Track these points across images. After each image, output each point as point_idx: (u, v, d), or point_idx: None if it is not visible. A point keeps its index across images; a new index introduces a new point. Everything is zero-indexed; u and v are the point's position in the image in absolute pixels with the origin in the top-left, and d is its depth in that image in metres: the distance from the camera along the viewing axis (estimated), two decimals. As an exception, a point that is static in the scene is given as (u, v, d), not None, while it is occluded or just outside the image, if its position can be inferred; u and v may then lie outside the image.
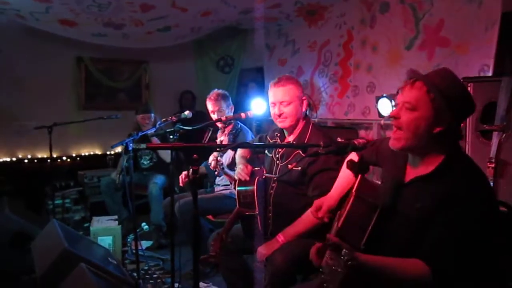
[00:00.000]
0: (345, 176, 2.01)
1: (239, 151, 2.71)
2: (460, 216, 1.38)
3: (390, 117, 1.57)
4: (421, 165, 1.55)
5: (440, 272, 1.37)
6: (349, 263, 1.27)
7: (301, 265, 2.15)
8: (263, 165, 2.60)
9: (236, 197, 2.37)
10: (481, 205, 1.40)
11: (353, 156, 1.94)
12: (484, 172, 1.52)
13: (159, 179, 4.32)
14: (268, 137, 2.65)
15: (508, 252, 1.72)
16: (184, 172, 3.28)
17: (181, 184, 3.16)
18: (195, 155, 1.42)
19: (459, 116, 1.49)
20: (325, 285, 1.41)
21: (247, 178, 2.38)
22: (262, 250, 2.21)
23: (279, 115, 2.36)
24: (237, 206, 2.34)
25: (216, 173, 3.25)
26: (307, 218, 2.16)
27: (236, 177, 2.45)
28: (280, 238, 2.21)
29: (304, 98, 2.40)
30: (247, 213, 2.30)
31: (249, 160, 2.58)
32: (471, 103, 1.51)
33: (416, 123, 1.46)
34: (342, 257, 1.28)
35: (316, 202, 2.00)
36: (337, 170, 2.12)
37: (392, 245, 1.56)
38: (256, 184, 2.34)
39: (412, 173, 1.59)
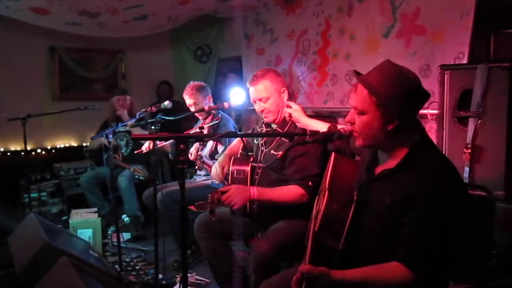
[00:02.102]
0: None
1: (230, 147, 2.75)
2: (429, 211, 1.38)
3: (346, 122, 1.58)
4: (388, 159, 1.56)
5: (422, 273, 1.38)
6: None
7: (286, 252, 2.18)
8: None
9: (230, 173, 2.42)
10: (448, 195, 1.39)
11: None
12: (450, 160, 1.51)
13: (127, 171, 4.21)
14: (258, 128, 2.71)
15: (487, 233, 1.78)
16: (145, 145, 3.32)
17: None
18: (182, 146, 1.41)
19: (408, 110, 1.46)
20: None
21: (220, 181, 2.52)
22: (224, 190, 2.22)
23: (261, 111, 2.43)
24: (229, 181, 2.37)
25: (196, 167, 3.24)
26: (287, 192, 2.24)
27: (211, 176, 2.55)
28: (254, 193, 2.23)
29: (284, 89, 2.43)
30: None
31: (247, 149, 2.61)
32: (418, 95, 1.48)
33: (368, 125, 1.48)
34: None
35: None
36: (312, 155, 2.26)
37: (367, 242, 1.56)
38: (250, 166, 2.39)
39: (380, 167, 1.60)
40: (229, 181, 2.40)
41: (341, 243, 1.49)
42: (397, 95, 1.42)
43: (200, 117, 3.49)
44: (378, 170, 1.60)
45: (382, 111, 1.44)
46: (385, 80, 1.44)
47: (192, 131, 3.39)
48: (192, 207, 3.30)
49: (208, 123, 3.32)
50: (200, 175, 3.51)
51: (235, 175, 2.40)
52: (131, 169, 4.01)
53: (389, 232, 1.46)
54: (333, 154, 1.71)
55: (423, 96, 1.49)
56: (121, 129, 4.26)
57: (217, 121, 3.31)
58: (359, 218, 1.55)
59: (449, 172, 1.45)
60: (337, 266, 1.42)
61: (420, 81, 1.50)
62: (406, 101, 1.44)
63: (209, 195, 2.14)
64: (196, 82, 3.49)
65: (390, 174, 1.51)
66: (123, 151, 4.44)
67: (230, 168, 2.43)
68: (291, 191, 2.24)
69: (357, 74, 1.55)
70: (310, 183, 2.23)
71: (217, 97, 3.70)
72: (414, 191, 1.41)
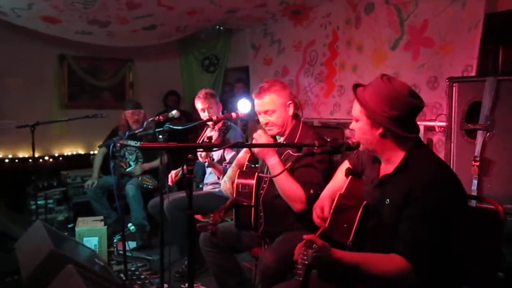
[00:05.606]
0: (339, 178, 2.07)
1: (237, 158, 2.73)
2: (424, 205, 1.47)
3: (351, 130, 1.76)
4: (387, 164, 1.68)
5: (420, 264, 1.44)
6: (315, 254, 1.36)
7: (292, 263, 2.16)
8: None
9: (235, 187, 2.39)
10: (441, 190, 1.48)
11: (347, 164, 2.05)
12: (445, 162, 1.63)
13: (134, 180, 4.18)
14: None
15: (495, 247, 1.76)
16: (173, 171, 3.29)
17: (170, 184, 3.14)
18: (190, 155, 1.41)
19: (393, 119, 1.55)
20: (296, 277, 1.47)
21: (231, 195, 2.47)
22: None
23: (266, 124, 2.40)
24: (234, 195, 2.35)
25: (206, 164, 3.25)
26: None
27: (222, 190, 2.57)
28: None
29: (289, 102, 2.40)
30: (244, 203, 2.31)
31: (253, 160, 2.59)
32: (404, 107, 1.55)
33: (361, 130, 1.66)
34: (312, 251, 1.38)
35: (317, 205, 1.96)
36: (318, 168, 2.25)
37: (373, 241, 1.67)
38: (256, 179, 2.36)
39: (382, 173, 1.71)
40: (235, 195, 2.38)
41: (349, 240, 1.64)
42: (381, 106, 1.56)
43: (209, 124, 3.49)
44: (380, 176, 1.71)
45: (369, 118, 1.60)
46: (374, 93, 1.59)
47: (199, 140, 3.41)
48: (199, 216, 3.30)
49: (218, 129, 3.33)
50: (207, 184, 3.51)
51: (240, 189, 2.38)
52: (139, 178, 4.01)
53: (390, 232, 1.55)
54: (350, 177, 1.88)
55: (411, 108, 1.58)
56: (132, 143, 4.19)
57: (224, 129, 3.33)
58: (367, 221, 1.68)
59: (442, 169, 1.57)
60: None
61: (413, 95, 1.58)
62: (391, 111, 1.54)
63: (211, 215, 2.10)
64: (208, 89, 3.53)
65: (389, 178, 1.63)
66: (132, 164, 4.38)
67: (236, 181, 2.40)
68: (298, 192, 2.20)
69: (357, 86, 1.72)
70: (311, 191, 2.21)
71: (224, 106, 3.72)
72: (410, 189, 1.51)
